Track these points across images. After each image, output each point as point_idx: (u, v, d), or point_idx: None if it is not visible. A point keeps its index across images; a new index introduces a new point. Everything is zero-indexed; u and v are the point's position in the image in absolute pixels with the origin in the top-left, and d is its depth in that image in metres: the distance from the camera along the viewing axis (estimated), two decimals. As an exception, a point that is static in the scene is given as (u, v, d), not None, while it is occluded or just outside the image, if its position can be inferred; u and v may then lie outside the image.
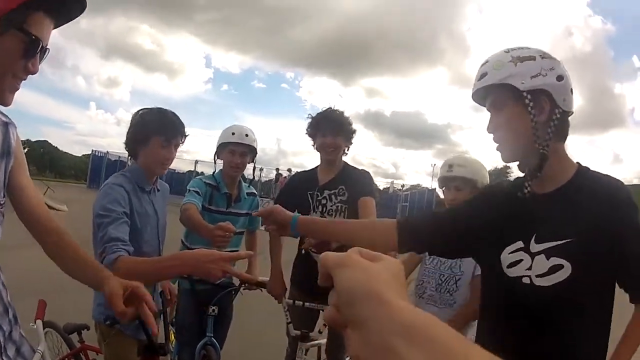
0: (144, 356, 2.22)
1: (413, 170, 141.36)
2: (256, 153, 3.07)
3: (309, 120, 2.98)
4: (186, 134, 2.35)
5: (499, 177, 64.95)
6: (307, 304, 2.80)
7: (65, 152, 79.64)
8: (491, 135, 1.50)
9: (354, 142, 3.00)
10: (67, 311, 2.28)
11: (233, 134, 2.95)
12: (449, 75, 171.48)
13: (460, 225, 1.57)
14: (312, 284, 2.56)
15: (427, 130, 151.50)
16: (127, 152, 2.37)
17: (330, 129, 2.88)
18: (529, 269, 1.39)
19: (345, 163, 3.02)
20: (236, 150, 2.95)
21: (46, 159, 63.15)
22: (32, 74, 1.15)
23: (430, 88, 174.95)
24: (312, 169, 3.07)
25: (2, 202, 1.26)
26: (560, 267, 1.34)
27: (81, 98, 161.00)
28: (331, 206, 2.90)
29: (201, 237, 2.60)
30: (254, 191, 3.29)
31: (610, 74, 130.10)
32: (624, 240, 1.33)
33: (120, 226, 1.92)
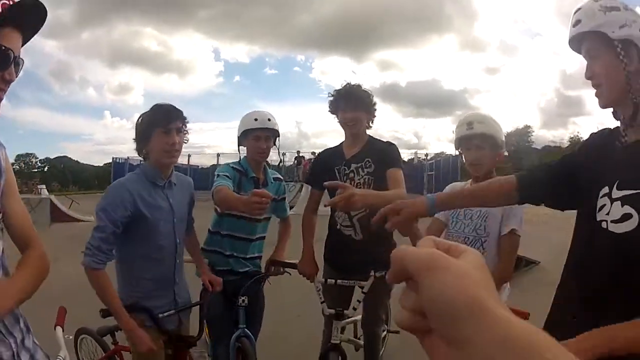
0: (173, 349, 2.41)
1: (435, 138, 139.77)
2: (279, 136, 3.04)
3: (330, 98, 3.02)
4: (186, 118, 2.44)
5: (520, 136, 64.40)
6: (339, 281, 2.83)
7: (87, 164, 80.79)
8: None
9: (376, 114, 3.04)
10: (91, 317, 2.36)
11: (256, 119, 2.90)
12: (459, 41, 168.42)
13: (570, 174, 1.64)
14: (345, 260, 2.61)
15: (445, 98, 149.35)
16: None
17: (349, 103, 2.92)
18: (608, 214, 1.43)
19: (370, 136, 3.05)
20: (261, 136, 2.91)
21: (67, 174, 64.00)
22: (10, 82, 1.22)
23: (443, 55, 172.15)
24: (338, 145, 3.11)
25: None
26: (630, 216, 1.36)
27: (94, 108, 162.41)
28: (359, 179, 2.93)
29: (240, 211, 2.76)
30: (280, 176, 3.27)
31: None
32: None
33: (106, 236, 2.20)
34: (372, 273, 2.71)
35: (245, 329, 2.89)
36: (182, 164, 34.93)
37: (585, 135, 1.60)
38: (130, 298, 2.30)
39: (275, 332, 3.89)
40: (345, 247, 2.95)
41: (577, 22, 1.48)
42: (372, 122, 3.04)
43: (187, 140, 2.49)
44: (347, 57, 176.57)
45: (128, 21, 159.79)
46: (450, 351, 0.38)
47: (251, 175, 2.96)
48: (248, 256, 3.04)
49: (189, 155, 33.52)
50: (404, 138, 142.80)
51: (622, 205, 1.39)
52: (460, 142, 2.57)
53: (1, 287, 1.28)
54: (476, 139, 2.48)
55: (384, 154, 2.92)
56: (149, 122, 2.36)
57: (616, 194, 1.43)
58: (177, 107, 2.44)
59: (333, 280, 2.83)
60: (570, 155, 1.74)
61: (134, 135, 2.43)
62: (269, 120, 2.92)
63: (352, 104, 2.92)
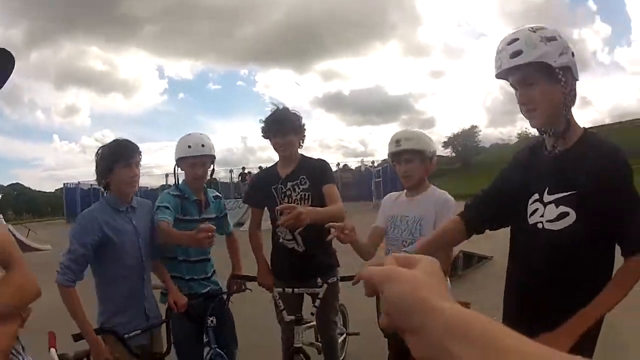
0: None
1: (382, 145, 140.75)
2: (214, 159, 3.12)
3: (261, 125, 3.14)
4: (140, 151, 2.69)
5: (467, 137, 66.01)
6: (296, 290, 2.98)
7: (38, 191, 78.00)
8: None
9: (306, 134, 3.20)
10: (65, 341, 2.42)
11: (189, 146, 2.96)
12: (403, 46, 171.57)
13: (503, 193, 1.89)
14: (291, 270, 2.82)
15: (390, 103, 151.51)
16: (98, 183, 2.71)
17: (279, 130, 3.05)
18: (542, 216, 1.69)
19: (302, 155, 3.22)
20: (196, 163, 2.97)
21: (21, 201, 61.81)
22: None
23: (386, 62, 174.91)
24: (273, 165, 3.27)
25: None
26: (566, 214, 1.62)
27: (43, 132, 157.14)
28: (295, 196, 3.07)
29: (186, 247, 2.88)
30: (218, 193, 3.35)
31: (568, 21, 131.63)
32: (618, 199, 1.59)
33: (75, 257, 2.45)
34: (321, 281, 2.89)
35: (217, 349, 2.90)
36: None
37: (533, 131, 1.85)
38: (106, 314, 2.58)
39: (250, 345, 3.96)
40: (288, 259, 3.09)
41: (517, 53, 1.59)
42: (302, 142, 3.20)
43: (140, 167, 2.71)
44: (290, 69, 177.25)
45: (74, 40, 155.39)
46: (412, 339, 0.50)
47: (193, 198, 3.03)
48: (208, 275, 3.11)
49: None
50: (350, 146, 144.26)
51: (557, 206, 1.64)
52: (391, 157, 2.77)
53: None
54: (405, 154, 2.67)
55: (316, 172, 3.08)
56: (111, 157, 2.58)
57: (548, 198, 1.68)
58: (132, 141, 2.69)
59: (290, 290, 2.96)
60: (500, 177, 1.97)
61: (84, 157, 2.83)
62: (203, 146, 2.97)
63: (282, 130, 3.04)
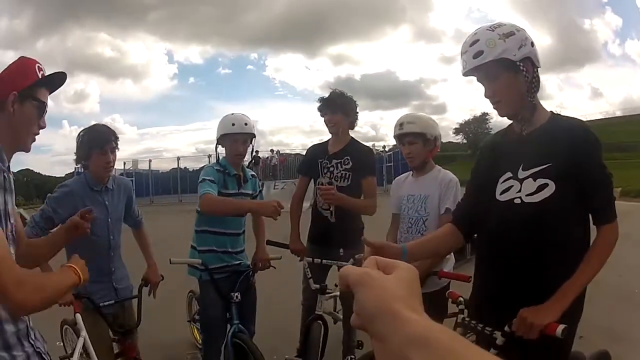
0: (119, 334, 2.92)
1: (392, 130, 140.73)
2: (254, 137, 3.27)
3: (318, 104, 3.53)
4: (117, 137, 2.93)
5: (478, 124, 65.71)
6: (324, 261, 3.18)
7: (49, 176, 78.74)
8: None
9: (358, 117, 3.56)
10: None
11: (233, 124, 3.13)
12: (414, 31, 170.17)
13: (479, 189, 1.98)
14: (321, 237, 3.16)
15: (401, 89, 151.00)
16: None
17: (329, 108, 3.44)
18: (519, 191, 1.76)
19: (353, 138, 3.56)
20: (238, 139, 3.16)
21: (31, 187, 62.40)
22: (43, 128, 1.71)
23: (397, 47, 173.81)
24: (325, 141, 3.59)
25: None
26: (546, 185, 1.70)
27: (53, 118, 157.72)
28: (337, 173, 3.43)
29: (249, 212, 3.17)
30: (254, 172, 3.52)
31: (578, 10, 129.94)
32: (591, 171, 1.69)
33: (45, 217, 2.74)
34: (343, 252, 3.06)
35: (240, 325, 3.02)
36: (143, 170, 34.56)
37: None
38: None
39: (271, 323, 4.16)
40: (321, 225, 3.49)
41: (478, 54, 1.72)
42: (354, 124, 3.56)
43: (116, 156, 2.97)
44: (300, 54, 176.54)
45: (81, 27, 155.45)
46: (376, 345, 0.51)
47: (233, 173, 3.21)
48: (238, 249, 3.32)
49: (150, 160, 33.10)
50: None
51: (535, 180, 1.73)
52: (396, 139, 3.05)
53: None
54: (408, 137, 2.93)
55: (362, 156, 3.45)
56: (89, 143, 2.85)
57: (523, 174, 1.77)
58: (110, 127, 2.96)
59: (319, 260, 3.18)
60: (472, 175, 2.07)
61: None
62: (246, 124, 3.14)
63: (330, 108, 3.42)
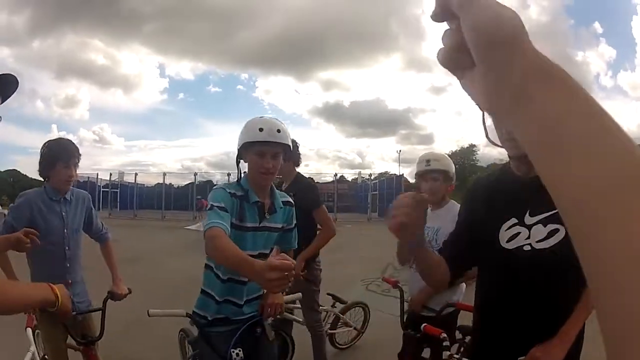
0: (81, 345, 2.91)
1: (379, 157, 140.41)
2: (289, 150, 2.45)
3: None
4: (80, 154, 3.01)
5: (465, 155, 66.36)
6: None
7: (34, 178, 78.17)
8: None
9: (300, 143, 3.82)
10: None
11: (261, 130, 2.28)
12: (405, 60, 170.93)
13: (468, 231, 1.89)
14: None
15: (389, 117, 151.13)
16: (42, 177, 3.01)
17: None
18: (528, 238, 1.72)
19: (298, 173, 3.78)
20: (266, 152, 2.30)
21: (17, 188, 61.89)
22: None
23: (388, 75, 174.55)
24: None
25: None
26: (557, 230, 1.66)
27: (42, 122, 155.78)
28: None
29: (246, 278, 2.29)
30: (290, 199, 2.56)
31: (571, 42, 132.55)
32: None
33: (6, 228, 2.78)
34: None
35: None
36: (129, 182, 34.41)
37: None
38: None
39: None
40: None
41: None
42: (297, 163, 3.77)
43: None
44: (291, 77, 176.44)
45: (76, 31, 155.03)
46: (485, 75, 0.44)
47: (254, 200, 2.35)
48: (260, 294, 2.48)
49: (136, 174, 32.99)
50: (347, 157, 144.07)
51: (545, 225, 1.68)
52: (419, 175, 3.16)
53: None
54: (434, 173, 3.11)
55: (306, 195, 3.51)
56: (53, 155, 2.91)
57: (530, 220, 1.72)
58: (74, 143, 3.05)
59: None
60: (466, 205, 2.01)
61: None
62: (279, 131, 2.29)
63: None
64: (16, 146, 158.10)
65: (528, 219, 1.73)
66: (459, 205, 2.96)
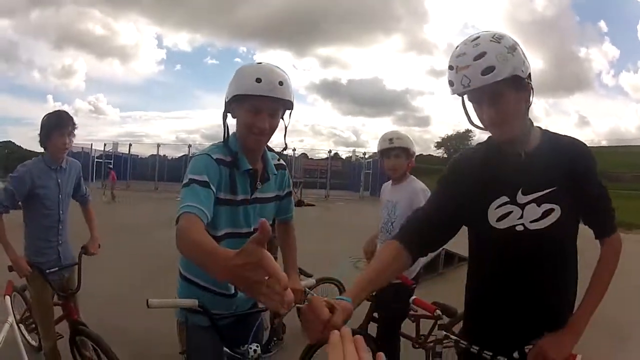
0: (61, 298, 3.29)
1: (374, 137, 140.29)
2: (292, 109, 1.97)
3: None
4: (75, 124, 3.24)
5: (460, 140, 66.33)
6: None
7: (29, 150, 77.39)
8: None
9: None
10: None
11: (258, 80, 1.80)
12: (406, 41, 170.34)
13: (445, 208, 1.74)
14: None
15: (386, 97, 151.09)
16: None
17: None
18: (521, 217, 1.63)
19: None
20: (263, 108, 1.86)
21: (12, 160, 61.29)
22: None
23: (388, 55, 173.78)
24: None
25: None
26: (552, 210, 1.59)
27: (38, 92, 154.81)
28: None
29: (221, 282, 1.94)
30: (282, 162, 2.22)
31: (576, 38, 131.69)
32: (591, 188, 1.63)
33: (7, 195, 3.11)
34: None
35: None
36: (122, 153, 34.31)
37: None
38: (29, 253, 3.21)
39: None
40: None
41: (489, 70, 1.46)
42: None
43: (75, 137, 3.29)
44: (289, 51, 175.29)
45: (76, 0, 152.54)
46: None
47: (246, 167, 1.96)
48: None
49: (130, 145, 32.82)
50: (342, 135, 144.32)
51: (539, 205, 1.60)
52: (382, 153, 3.42)
53: None
54: (395, 150, 3.36)
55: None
56: (50, 125, 3.17)
57: (523, 198, 1.63)
58: (70, 114, 3.26)
59: None
60: (440, 187, 1.82)
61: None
62: (281, 84, 1.83)
63: None
64: (11, 117, 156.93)
65: (521, 198, 1.62)
66: (419, 182, 3.35)
